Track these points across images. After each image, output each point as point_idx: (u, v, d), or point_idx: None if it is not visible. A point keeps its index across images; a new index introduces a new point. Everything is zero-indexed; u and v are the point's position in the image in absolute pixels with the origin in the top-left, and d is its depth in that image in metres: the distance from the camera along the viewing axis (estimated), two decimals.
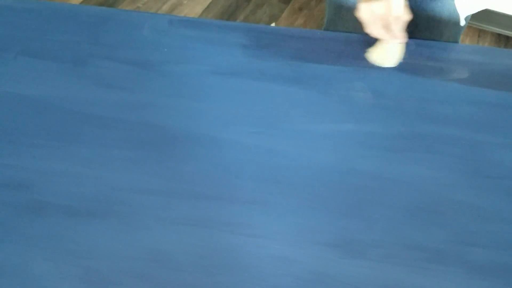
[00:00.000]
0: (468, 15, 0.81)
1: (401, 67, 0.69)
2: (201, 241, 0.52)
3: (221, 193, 0.56)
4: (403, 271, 0.50)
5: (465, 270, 0.50)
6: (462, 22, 0.78)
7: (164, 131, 0.62)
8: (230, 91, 0.66)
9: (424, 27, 0.89)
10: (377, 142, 0.61)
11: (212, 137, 0.61)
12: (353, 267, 0.50)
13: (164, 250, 0.51)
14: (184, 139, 0.61)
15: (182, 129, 0.62)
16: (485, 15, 1.72)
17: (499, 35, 1.83)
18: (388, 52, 0.69)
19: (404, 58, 0.71)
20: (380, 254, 0.51)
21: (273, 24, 1.81)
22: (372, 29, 0.67)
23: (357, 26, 0.94)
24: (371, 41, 0.74)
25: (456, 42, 0.87)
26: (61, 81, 0.66)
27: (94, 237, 0.52)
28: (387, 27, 0.65)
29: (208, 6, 1.88)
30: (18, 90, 0.65)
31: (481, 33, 1.83)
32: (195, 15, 1.84)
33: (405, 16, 0.65)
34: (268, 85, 0.67)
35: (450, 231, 0.53)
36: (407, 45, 0.69)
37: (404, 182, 0.57)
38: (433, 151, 0.60)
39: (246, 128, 0.62)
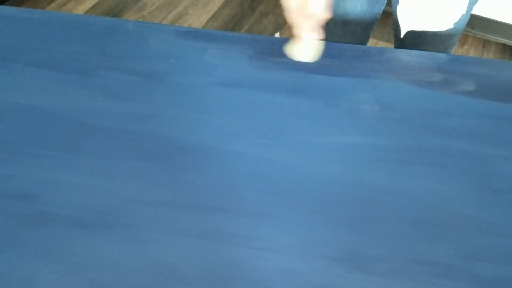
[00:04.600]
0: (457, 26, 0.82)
1: (407, 79, 0.69)
2: (207, 254, 0.52)
3: (227, 205, 0.56)
4: (410, 286, 0.50)
5: (473, 285, 0.50)
6: (402, 34, 0.79)
7: (170, 142, 0.62)
8: (236, 102, 0.66)
9: (410, 43, 0.90)
10: (384, 155, 0.60)
11: (218, 148, 0.61)
12: (359, 282, 0.50)
13: (169, 263, 0.51)
14: (190, 150, 0.61)
15: (188, 140, 0.62)
16: (490, 25, 1.72)
17: (503, 45, 1.83)
18: (304, 47, 0.68)
19: (410, 70, 0.71)
20: (386, 268, 0.51)
21: (277, 33, 1.82)
22: (290, 19, 0.64)
23: (346, 40, 0.95)
24: (379, 53, 0.74)
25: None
26: (68, 91, 0.67)
27: (99, 249, 0.52)
28: (303, 21, 0.63)
29: (213, 16, 1.89)
30: (25, 100, 0.65)
31: (485, 43, 1.84)
32: (200, 24, 1.85)
33: (322, 14, 0.62)
34: (273, 96, 0.67)
35: (457, 245, 0.52)
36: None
37: (410, 195, 0.57)
38: (440, 164, 0.60)
39: (252, 139, 0.62)
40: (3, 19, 0.76)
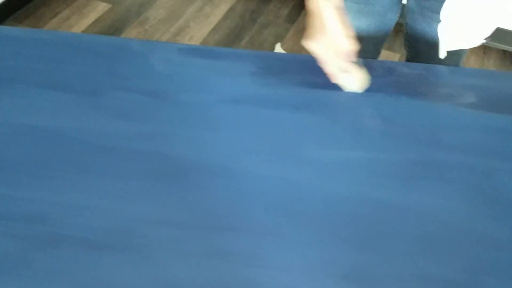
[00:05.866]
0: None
1: (410, 93, 0.70)
2: (216, 274, 0.52)
3: (235, 224, 0.56)
4: None
5: None
6: (442, 55, 0.79)
7: (177, 160, 0.62)
8: (240, 119, 0.67)
9: (425, 55, 0.90)
10: (388, 170, 0.61)
11: (224, 166, 0.62)
12: None
13: (179, 283, 0.51)
14: (196, 169, 0.61)
15: (195, 159, 0.62)
16: None
17: (504, 51, 1.84)
18: (350, 79, 0.69)
19: (412, 84, 0.71)
20: (394, 286, 0.51)
21: (278, 44, 1.83)
22: (328, 65, 0.67)
23: (357, 56, 0.95)
24: (380, 67, 0.74)
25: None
26: (76, 112, 0.67)
27: (109, 270, 0.52)
28: (336, 59, 0.66)
29: (214, 28, 1.90)
30: (33, 122, 0.66)
31: (486, 50, 1.84)
32: (202, 36, 1.86)
33: (351, 46, 0.64)
34: (278, 113, 0.68)
35: (465, 261, 0.53)
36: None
37: (417, 211, 0.57)
38: (445, 179, 0.60)
39: (257, 156, 0.63)
40: (11, 40, 0.78)
